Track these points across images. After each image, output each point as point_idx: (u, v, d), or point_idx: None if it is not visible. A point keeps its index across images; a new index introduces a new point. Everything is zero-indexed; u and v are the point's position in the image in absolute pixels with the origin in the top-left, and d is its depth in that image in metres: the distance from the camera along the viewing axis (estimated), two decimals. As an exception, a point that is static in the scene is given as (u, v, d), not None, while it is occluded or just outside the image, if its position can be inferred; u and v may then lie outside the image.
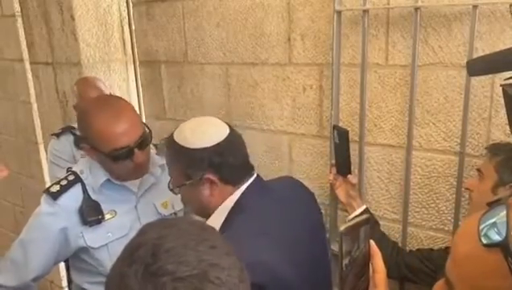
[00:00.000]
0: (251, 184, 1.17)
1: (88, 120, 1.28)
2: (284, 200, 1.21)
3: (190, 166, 1.15)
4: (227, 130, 1.17)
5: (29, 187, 3.11)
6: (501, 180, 1.20)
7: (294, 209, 1.21)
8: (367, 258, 0.72)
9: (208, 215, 1.20)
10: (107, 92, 2.09)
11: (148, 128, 1.36)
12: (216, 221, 1.16)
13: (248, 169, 1.19)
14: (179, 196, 1.56)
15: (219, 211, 1.17)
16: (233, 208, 1.15)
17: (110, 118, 1.26)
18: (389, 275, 1.69)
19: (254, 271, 0.96)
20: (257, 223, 1.10)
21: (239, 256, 0.98)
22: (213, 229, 0.71)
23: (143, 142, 1.31)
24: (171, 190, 1.24)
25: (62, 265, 2.78)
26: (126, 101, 1.39)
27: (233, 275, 0.63)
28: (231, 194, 1.16)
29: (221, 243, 0.67)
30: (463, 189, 1.43)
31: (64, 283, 2.99)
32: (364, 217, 0.71)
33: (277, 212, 1.15)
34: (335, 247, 1.74)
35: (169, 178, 1.51)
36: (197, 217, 1.76)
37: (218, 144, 1.13)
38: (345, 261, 0.67)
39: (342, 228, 0.66)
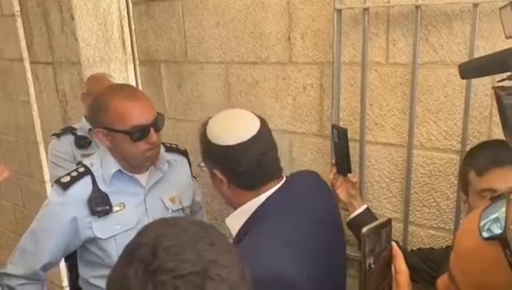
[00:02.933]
0: (278, 189, 1.13)
1: (104, 103, 1.32)
2: (309, 205, 1.16)
3: (206, 155, 1.16)
4: (253, 132, 1.10)
5: (29, 187, 3.10)
6: None
7: (318, 214, 1.16)
8: (389, 259, 0.73)
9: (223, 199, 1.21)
10: None
11: (160, 113, 1.40)
12: (235, 221, 1.15)
13: (270, 174, 1.14)
14: (187, 192, 1.60)
15: (239, 212, 1.14)
16: (254, 213, 1.11)
17: (127, 97, 1.31)
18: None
19: (271, 284, 0.94)
20: (279, 233, 1.05)
21: (256, 267, 0.97)
22: (213, 227, 0.71)
23: (158, 123, 1.36)
24: (199, 166, 1.25)
25: (63, 265, 2.78)
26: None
27: (234, 272, 0.63)
28: (252, 198, 1.12)
29: (221, 241, 0.66)
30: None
31: (65, 283, 2.99)
32: (385, 219, 0.72)
33: (301, 220, 1.10)
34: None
35: (177, 173, 1.56)
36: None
37: (232, 146, 1.08)
38: (369, 260, 0.68)
39: (365, 230, 0.67)
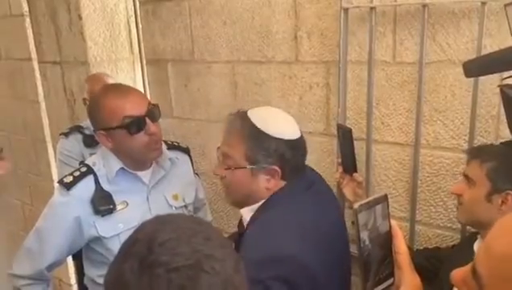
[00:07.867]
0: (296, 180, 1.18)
1: (97, 103, 1.34)
2: (320, 195, 1.21)
3: (261, 151, 1.12)
4: (299, 132, 1.19)
5: (38, 185, 3.13)
6: (495, 187, 1.16)
7: (327, 205, 1.21)
8: (389, 240, 0.70)
9: (245, 204, 1.19)
10: None
11: (154, 103, 1.39)
12: (250, 211, 1.16)
13: (303, 171, 1.20)
14: (190, 189, 1.58)
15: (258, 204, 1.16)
16: (267, 199, 1.14)
17: (118, 94, 1.32)
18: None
19: (283, 264, 0.98)
20: (293, 217, 1.09)
21: (269, 247, 1.00)
22: (208, 223, 0.73)
23: (153, 113, 1.35)
24: (218, 173, 1.21)
25: (71, 263, 2.80)
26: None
27: (228, 265, 0.64)
28: (280, 186, 1.15)
29: (216, 236, 0.68)
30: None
31: (73, 280, 3.01)
32: (381, 194, 0.68)
33: (313, 207, 1.15)
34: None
35: (180, 171, 1.54)
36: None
37: (294, 140, 1.15)
38: (363, 236, 0.65)
39: (357, 205, 0.65)
